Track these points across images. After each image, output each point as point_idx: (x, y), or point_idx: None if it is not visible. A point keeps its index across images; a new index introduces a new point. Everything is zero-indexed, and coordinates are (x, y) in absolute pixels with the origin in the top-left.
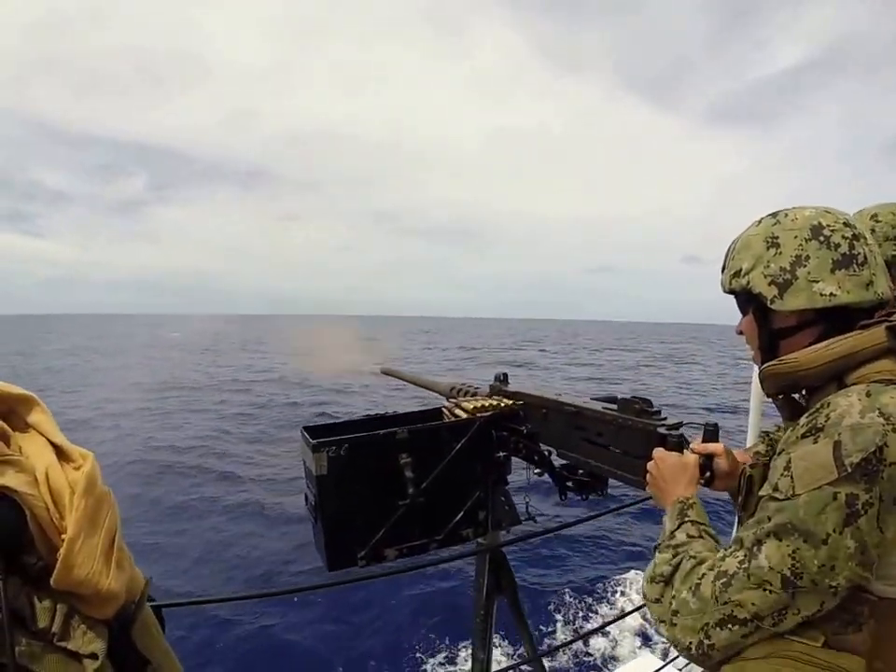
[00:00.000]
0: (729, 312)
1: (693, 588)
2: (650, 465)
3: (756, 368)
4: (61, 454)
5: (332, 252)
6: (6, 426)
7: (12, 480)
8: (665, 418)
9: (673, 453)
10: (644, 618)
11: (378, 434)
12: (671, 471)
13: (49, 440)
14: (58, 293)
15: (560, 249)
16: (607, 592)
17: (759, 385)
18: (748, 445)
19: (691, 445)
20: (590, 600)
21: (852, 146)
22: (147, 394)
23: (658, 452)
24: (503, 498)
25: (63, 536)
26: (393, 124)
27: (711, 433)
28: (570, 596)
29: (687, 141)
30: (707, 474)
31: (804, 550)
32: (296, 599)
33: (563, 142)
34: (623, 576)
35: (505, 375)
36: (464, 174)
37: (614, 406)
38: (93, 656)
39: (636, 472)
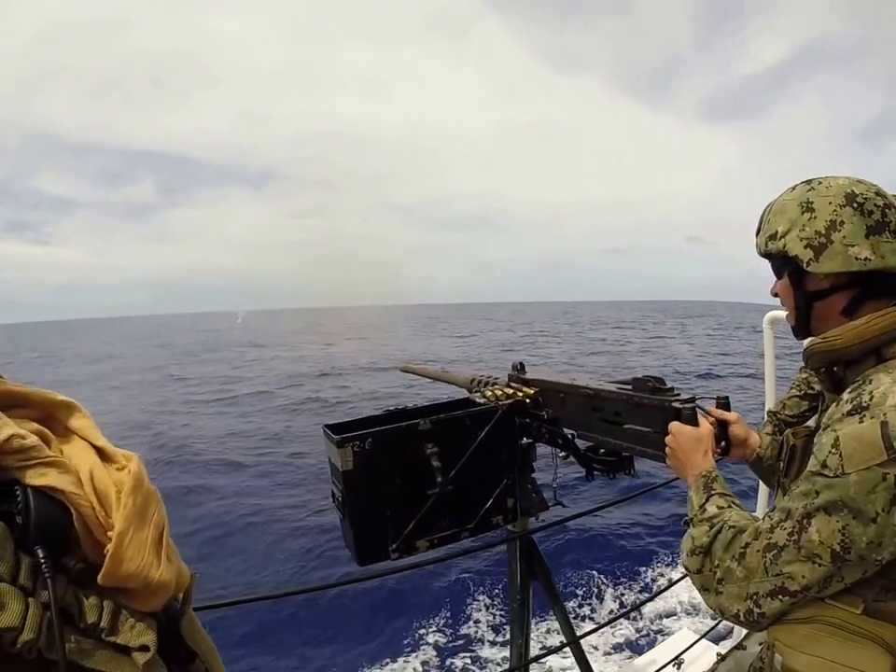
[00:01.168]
0: (716, 289)
1: (737, 556)
2: (668, 439)
3: (767, 336)
4: (103, 456)
5: (349, 244)
6: (46, 430)
7: (56, 479)
8: (679, 394)
9: (688, 426)
10: (680, 595)
11: (401, 426)
12: (688, 443)
13: (91, 443)
14: (69, 299)
15: (570, 233)
16: (641, 571)
17: (772, 353)
18: (766, 408)
19: (708, 408)
20: (625, 581)
21: (834, 131)
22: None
23: (674, 425)
24: (530, 485)
25: (109, 534)
26: (406, 124)
27: (723, 406)
28: (605, 578)
29: (684, 133)
30: (723, 444)
31: (853, 526)
32: (327, 595)
33: (568, 136)
34: (657, 555)
35: (522, 364)
36: (477, 167)
37: (629, 386)
38: (144, 648)
39: (655, 447)
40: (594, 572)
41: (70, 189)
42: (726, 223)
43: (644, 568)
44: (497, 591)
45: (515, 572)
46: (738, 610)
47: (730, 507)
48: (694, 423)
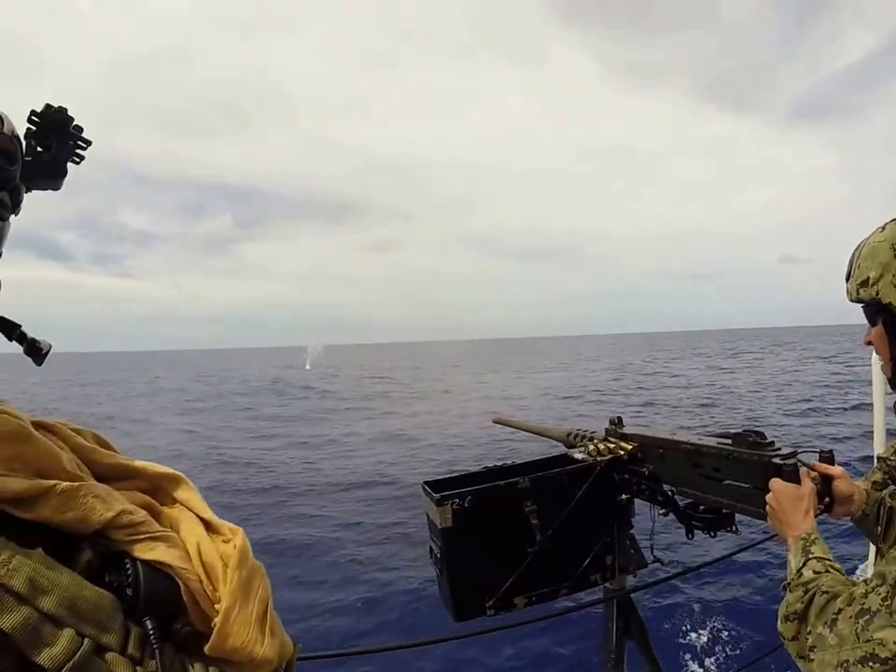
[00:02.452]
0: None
1: (829, 623)
2: (768, 497)
3: (876, 372)
4: (209, 528)
5: (425, 278)
6: (155, 502)
7: (165, 555)
8: (779, 448)
9: (790, 483)
10: (785, 661)
11: (500, 484)
12: (789, 502)
13: (198, 515)
14: (151, 330)
15: (653, 260)
16: (745, 635)
17: (881, 391)
18: (874, 451)
19: (811, 462)
20: (728, 644)
21: None
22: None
23: (775, 483)
24: (628, 542)
25: (216, 606)
26: (481, 149)
27: (827, 460)
28: (707, 641)
29: (772, 142)
30: (826, 500)
31: None
32: (418, 651)
33: (646, 156)
34: (762, 617)
35: (619, 418)
36: (555, 193)
37: (728, 441)
38: None
39: (755, 504)
40: (694, 634)
41: (151, 222)
42: (826, 235)
43: (748, 632)
44: (589, 650)
45: (611, 632)
46: None
47: (827, 571)
48: (796, 480)
